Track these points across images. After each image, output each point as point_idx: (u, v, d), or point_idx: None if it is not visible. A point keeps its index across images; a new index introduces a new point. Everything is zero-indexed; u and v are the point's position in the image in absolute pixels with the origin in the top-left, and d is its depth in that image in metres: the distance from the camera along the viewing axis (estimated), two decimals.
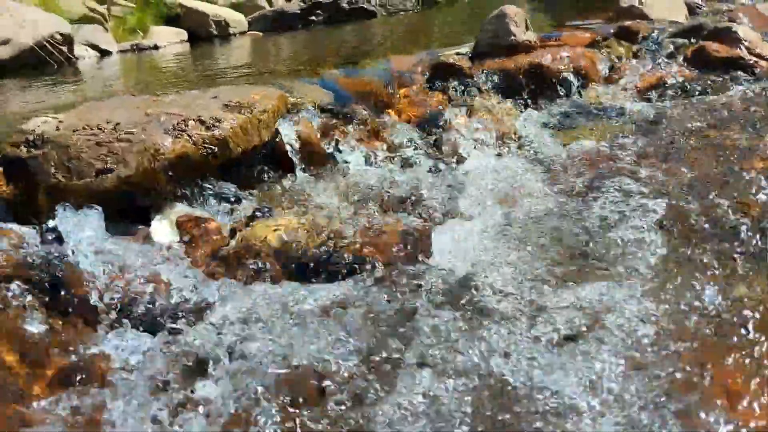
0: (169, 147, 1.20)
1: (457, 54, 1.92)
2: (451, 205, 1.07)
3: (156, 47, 5.76)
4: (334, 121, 1.46)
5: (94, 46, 5.70)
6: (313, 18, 7.19)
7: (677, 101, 1.56)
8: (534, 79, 1.71)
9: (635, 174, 1.11)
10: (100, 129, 1.21)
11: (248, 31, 6.91)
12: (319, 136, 1.40)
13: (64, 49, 5.10)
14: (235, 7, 7.28)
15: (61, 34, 5.09)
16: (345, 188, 1.25)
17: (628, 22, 2.01)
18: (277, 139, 1.38)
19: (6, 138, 1.24)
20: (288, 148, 1.36)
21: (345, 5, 7.31)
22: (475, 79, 1.73)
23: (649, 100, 1.59)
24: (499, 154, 1.38)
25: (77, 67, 4.80)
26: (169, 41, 6.40)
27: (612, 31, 1.98)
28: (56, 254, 1.00)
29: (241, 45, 4.93)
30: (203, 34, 6.69)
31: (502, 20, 1.86)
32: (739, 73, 1.68)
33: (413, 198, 1.13)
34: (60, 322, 0.91)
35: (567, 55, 1.76)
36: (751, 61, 1.71)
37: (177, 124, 1.25)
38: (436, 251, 0.99)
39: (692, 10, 2.62)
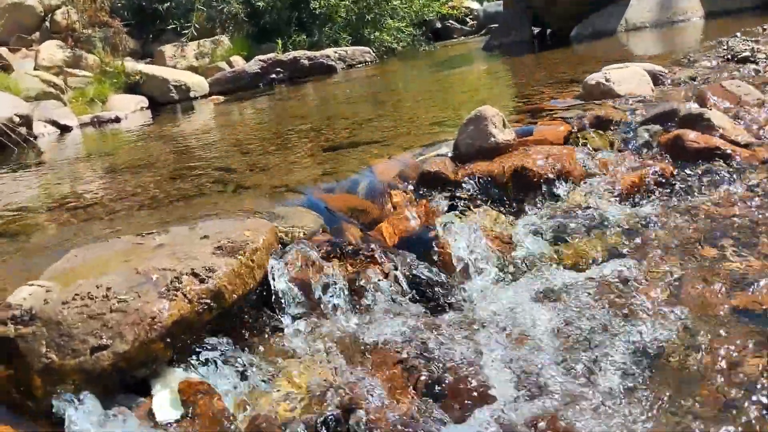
0: (165, 313, 1.16)
1: (438, 156, 1.92)
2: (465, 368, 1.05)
3: (117, 119, 5.70)
4: (325, 252, 1.44)
5: (53, 123, 5.62)
6: (274, 76, 7.22)
7: (662, 204, 1.58)
8: (519, 184, 1.72)
9: (638, 313, 1.11)
10: (91, 298, 1.17)
11: (209, 93, 6.90)
12: (310, 274, 1.37)
13: (23, 130, 5.01)
14: (194, 69, 7.27)
15: (19, 116, 5.01)
16: (339, 337, 1.23)
17: (601, 111, 2.05)
18: (270, 280, 1.36)
19: None
20: (279, 292, 1.33)
21: (305, 62, 7.38)
22: (461, 186, 1.73)
23: (632, 203, 1.61)
24: (499, 279, 1.37)
25: (38, 148, 4.72)
26: (129, 110, 6.35)
27: (587, 122, 2.01)
28: None
29: (201, 117, 4.89)
30: (164, 100, 6.66)
31: (481, 122, 1.88)
32: (718, 164, 1.72)
33: (413, 353, 1.11)
34: None
35: (548, 155, 1.78)
36: (728, 151, 1.75)
37: (171, 282, 1.22)
38: None
39: (656, 79, 2.69)
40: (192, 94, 6.72)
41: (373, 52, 7.90)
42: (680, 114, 1.98)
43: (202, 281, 1.25)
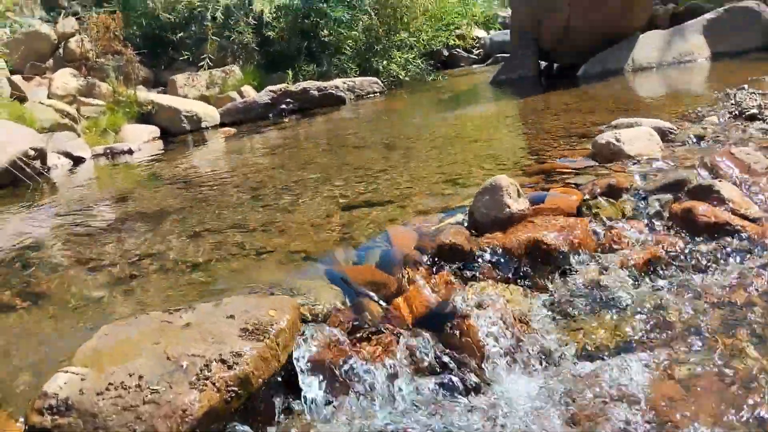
0: (196, 405, 1.20)
1: (454, 224, 1.97)
2: None
3: (130, 151, 5.77)
4: (347, 332, 1.48)
5: (67, 154, 5.70)
6: (284, 106, 7.30)
7: (675, 285, 1.61)
8: (534, 258, 1.76)
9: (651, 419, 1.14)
10: (125, 388, 1.21)
11: (220, 123, 6.99)
12: (333, 356, 1.41)
13: (37, 163, 5.09)
14: (206, 99, 7.37)
15: (34, 149, 5.09)
16: (362, 424, 1.26)
17: (613, 180, 2.10)
18: (294, 361, 1.40)
19: (27, 399, 1.23)
20: (303, 374, 1.37)
21: (315, 92, 7.46)
22: (478, 259, 1.77)
23: (645, 281, 1.65)
24: (527, 372, 1.40)
25: (51, 181, 4.79)
26: (142, 140, 6.44)
27: (599, 190, 2.05)
28: None
29: (212, 155, 4.95)
30: (176, 130, 6.75)
31: (496, 193, 1.93)
32: (729, 240, 1.76)
33: None
34: None
35: (562, 227, 1.83)
36: (738, 227, 1.79)
37: (200, 371, 1.26)
38: None
39: (664, 135, 2.74)
40: (203, 125, 6.81)
41: (382, 82, 7.99)
42: (690, 184, 2.02)
43: (229, 367, 1.29)
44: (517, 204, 1.93)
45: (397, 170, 2.91)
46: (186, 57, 7.62)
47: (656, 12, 5.70)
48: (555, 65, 6.35)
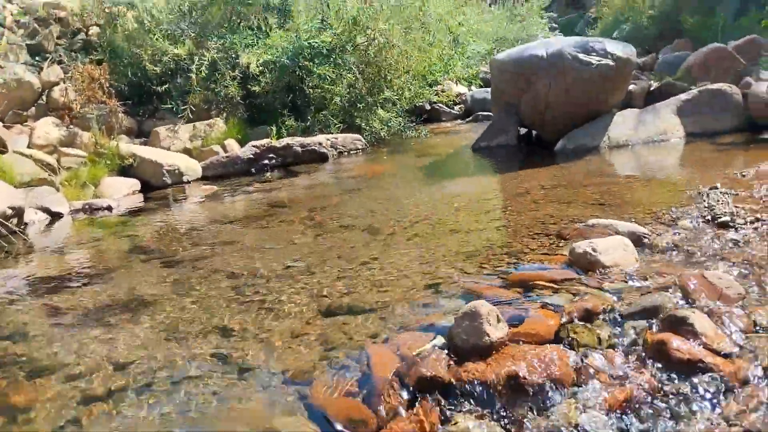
0: None
1: (434, 347, 2.00)
2: None
3: (109, 208, 5.74)
4: None
5: (45, 210, 5.66)
6: (266, 162, 7.35)
7: (651, 426, 1.65)
8: (513, 392, 1.79)
9: None
10: None
11: (203, 176, 7.01)
12: None
13: (14, 222, 5.04)
14: (188, 151, 7.39)
15: (12, 208, 5.05)
16: None
17: (589, 304, 2.15)
18: None
19: None
20: None
21: (298, 148, 7.53)
22: (458, 391, 1.79)
23: (620, 422, 1.68)
24: None
25: (27, 239, 4.75)
26: (122, 193, 6.43)
27: (576, 315, 2.10)
28: None
29: (191, 216, 4.95)
30: (157, 184, 6.75)
31: (476, 319, 1.96)
32: (702, 379, 1.80)
33: None
34: None
35: (540, 360, 1.86)
36: (711, 365, 1.84)
37: None
38: None
39: (639, 240, 2.82)
40: (185, 179, 6.81)
41: (364, 138, 8.08)
42: (665, 311, 2.08)
43: None
44: (497, 331, 1.96)
45: (378, 264, 2.94)
46: (170, 107, 7.64)
47: (632, 90, 5.88)
48: (534, 132, 6.49)
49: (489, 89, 10.56)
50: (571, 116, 5.71)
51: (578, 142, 5.47)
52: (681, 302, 2.15)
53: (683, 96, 5.48)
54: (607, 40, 5.49)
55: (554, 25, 13.63)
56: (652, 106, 5.52)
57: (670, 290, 2.23)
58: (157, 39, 7.34)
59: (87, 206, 5.78)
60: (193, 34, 7.91)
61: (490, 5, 14.54)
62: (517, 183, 4.44)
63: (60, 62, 8.51)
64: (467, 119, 10.49)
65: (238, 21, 8.12)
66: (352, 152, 7.80)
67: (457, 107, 11.07)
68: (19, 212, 5.09)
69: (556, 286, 2.35)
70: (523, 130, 6.69)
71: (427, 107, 10.78)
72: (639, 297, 2.21)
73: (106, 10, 8.40)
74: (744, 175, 3.73)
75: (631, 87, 5.90)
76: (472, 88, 11.74)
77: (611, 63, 5.30)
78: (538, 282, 2.41)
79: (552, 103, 5.60)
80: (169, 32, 7.86)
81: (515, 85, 5.85)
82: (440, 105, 10.77)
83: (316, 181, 5.99)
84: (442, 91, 10.88)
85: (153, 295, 2.87)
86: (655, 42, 16.18)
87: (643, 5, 15.53)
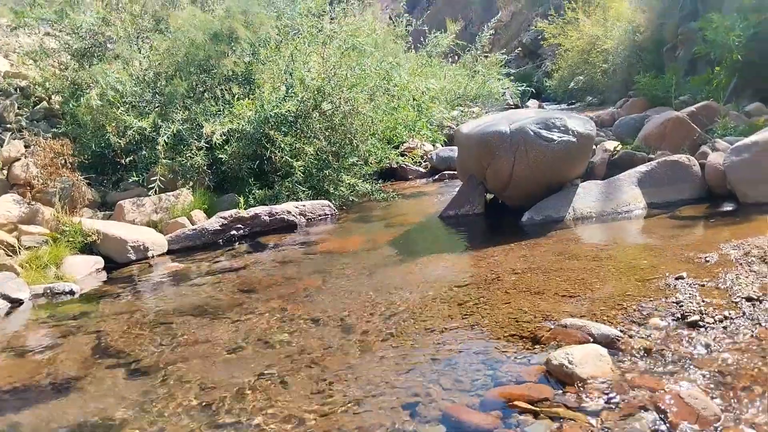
0: None
1: None
2: None
3: (72, 292, 5.60)
4: None
5: (4, 296, 5.49)
6: (234, 232, 7.30)
7: None
8: None
9: None
10: None
11: (168, 250, 6.91)
12: None
13: None
14: (154, 224, 7.28)
15: None
16: None
17: None
18: None
19: None
20: None
21: (266, 217, 7.51)
22: None
23: None
24: None
25: None
26: (85, 272, 6.30)
27: None
28: None
29: (154, 303, 4.84)
30: (121, 260, 6.63)
31: None
32: None
33: None
34: None
35: None
36: None
37: None
38: None
39: (612, 343, 2.85)
40: (150, 254, 6.70)
41: (333, 203, 8.11)
42: None
43: None
44: None
45: (353, 375, 2.90)
46: (136, 179, 7.56)
47: (593, 161, 6.05)
48: (500, 200, 6.59)
49: (454, 148, 10.75)
50: (535, 187, 5.82)
51: (544, 214, 5.57)
52: (660, 427, 2.16)
53: (642, 168, 5.64)
54: (567, 115, 5.64)
55: (512, 78, 14.00)
56: (614, 179, 5.67)
57: (648, 411, 2.24)
58: (121, 113, 7.28)
59: (48, 290, 5.62)
60: (157, 106, 7.88)
61: (451, 63, 14.91)
62: (488, 266, 4.47)
63: (21, 135, 8.39)
64: (434, 177, 10.63)
65: (203, 91, 8.14)
66: (320, 218, 7.79)
67: (423, 165, 11.20)
68: None
69: (535, 408, 2.34)
70: (489, 195, 6.79)
71: (394, 165, 10.90)
72: (618, 421, 2.21)
73: (68, 81, 8.34)
74: (707, 261, 3.82)
75: (593, 158, 6.06)
76: (437, 145, 11.93)
77: (573, 139, 5.45)
78: (516, 403, 2.40)
79: (516, 177, 5.71)
80: (133, 104, 7.82)
81: (480, 158, 5.95)
82: (407, 164, 10.89)
83: (286, 257, 5.94)
84: (409, 150, 11.03)
85: (121, 418, 2.77)
86: (608, 93, 16.81)
87: (597, 59, 16.17)
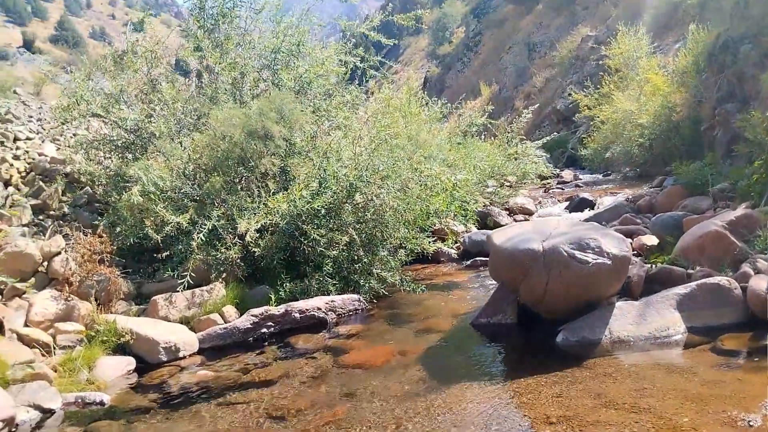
0: None
1: None
2: None
3: (102, 403, 5.64)
4: None
5: (36, 407, 5.55)
6: (264, 330, 7.32)
7: None
8: None
9: None
10: None
11: (199, 350, 6.96)
12: None
13: (6, 429, 4.94)
14: (187, 320, 7.34)
15: (2, 421, 4.95)
16: None
17: None
18: None
19: None
20: None
21: (296, 315, 7.52)
22: None
23: None
24: None
25: None
26: (117, 374, 6.36)
27: None
28: None
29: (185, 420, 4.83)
30: (153, 360, 6.69)
31: None
32: None
33: None
34: None
35: None
36: None
37: None
38: None
39: None
40: (181, 354, 6.75)
41: (363, 296, 8.10)
42: None
43: None
44: None
45: None
46: (171, 274, 7.67)
47: (630, 278, 5.92)
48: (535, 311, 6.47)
49: (486, 231, 10.70)
50: (570, 304, 5.72)
51: (579, 335, 5.44)
52: None
53: (681, 290, 5.49)
54: (602, 234, 5.55)
55: (548, 163, 14.01)
56: (652, 299, 5.52)
57: None
58: (160, 209, 7.46)
59: (79, 400, 5.66)
60: (195, 199, 8.06)
61: (484, 139, 15.03)
62: (519, 407, 4.35)
63: (66, 222, 8.66)
64: (466, 263, 10.56)
65: (239, 184, 8.31)
66: (350, 313, 7.78)
67: (455, 248, 11.16)
68: (10, 421, 4.99)
69: None
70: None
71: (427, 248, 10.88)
72: None
73: (112, 173, 8.62)
74: (750, 424, 3.65)
75: (630, 273, 5.93)
76: (470, 227, 11.90)
77: (608, 262, 5.36)
78: None
79: (550, 294, 5.62)
80: (172, 198, 8.01)
81: (513, 271, 5.89)
82: (439, 247, 10.86)
83: (316, 369, 5.89)
84: (438, 232, 11.03)
85: None
86: (646, 167, 16.63)
87: (633, 133, 16.09)
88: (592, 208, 13.47)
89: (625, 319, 5.47)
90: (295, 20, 9.53)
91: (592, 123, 19.89)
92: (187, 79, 9.33)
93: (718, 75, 13.86)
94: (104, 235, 7.55)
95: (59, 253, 7.62)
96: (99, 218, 8.68)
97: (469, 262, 10.45)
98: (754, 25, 12.45)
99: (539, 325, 6.15)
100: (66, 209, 9.22)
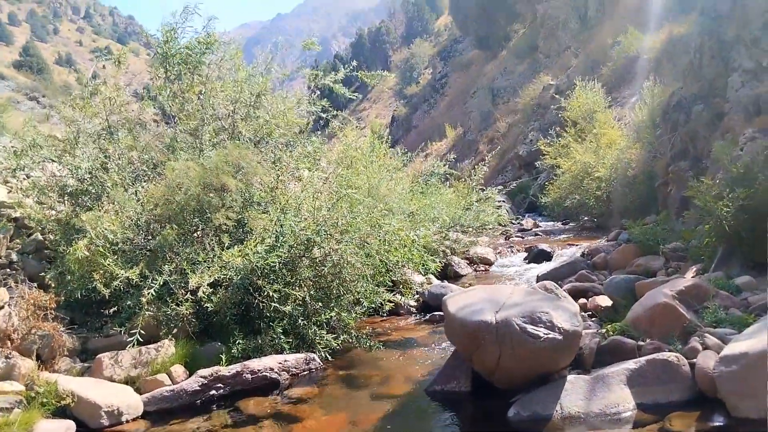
0: None
1: None
2: None
3: None
4: None
5: None
6: (214, 392, 7.12)
7: None
8: None
9: None
10: None
11: (143, 413, 6.71)
12: None
13: None
14: (132, 381, 7.09)
15: None
16: None
17: None
18: None
19: None
20: None
21: (248, 376, 7.34)
22: None
23: None
24: None
25: None
26: None
27: None
28: None
29: None
30: (94, 425, 6.42)
31: None
32: None
33: None
34: None
35: None
36: None
37: None
38: None
39: None
40: (124, 418, 6.50)
41: (318, 353, 7.97)
42: None
43: None
44: None
45: None
46: (118, 331, 7.43)
47: (582, 350, 5.95)
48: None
49: (445, 284, 10.70)
50: (522, 377, 5.72)
51: (531, 410, 5.42)
52: None
53: (631, 364, 5.53)
54: (554, 307, 5.59)
55: (507, 210, 14.20)
56: (603, 374, 5.55)
57: None
58: (108, 263, 7.25)
59: None
60: (147, 252, 7.88)
61: (449, 185, 15.16)
62: None
63: (12, 270, 8.37)
64: (425, 317, 10.52)
65: (193, 239, 8.15)
66: (304, 373, 7.63)
67: (413, 301, 11.11)
68: None
69: None
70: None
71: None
72: None
73: (62, 223, 8.38)
74: None
75: (582, 345, 5.96)
76: (431, 280, 11.89)
77: (559, 337, 5.38)
78: None
79: (502, 365, 5.62)
80: (123, 250, 7.81)
81: (465, 341, 5.88)
82: (397, 302, 10.79)
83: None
84: (401, 284, 10.98)
85: None
86: (603, 219, 16.97)
87: (591, 186, 16.45)
88: (550, 260, 13.65)
89: (576, 394, 5.48)
90: (254, 71, 9.53)
91: (553, 171, 20.29)
92: (145, 128, 9.19)
93: (672, 133, 14.31)
94: (51, 284, 7.29)
95: (2, 307, 7.32)
96: (48, 266, 8.39)
97: (428, 317, 10.42)
98: (706, 85, 12.90)
99: (494, 394, 6.12)
100: (14, 256, 8.90)
